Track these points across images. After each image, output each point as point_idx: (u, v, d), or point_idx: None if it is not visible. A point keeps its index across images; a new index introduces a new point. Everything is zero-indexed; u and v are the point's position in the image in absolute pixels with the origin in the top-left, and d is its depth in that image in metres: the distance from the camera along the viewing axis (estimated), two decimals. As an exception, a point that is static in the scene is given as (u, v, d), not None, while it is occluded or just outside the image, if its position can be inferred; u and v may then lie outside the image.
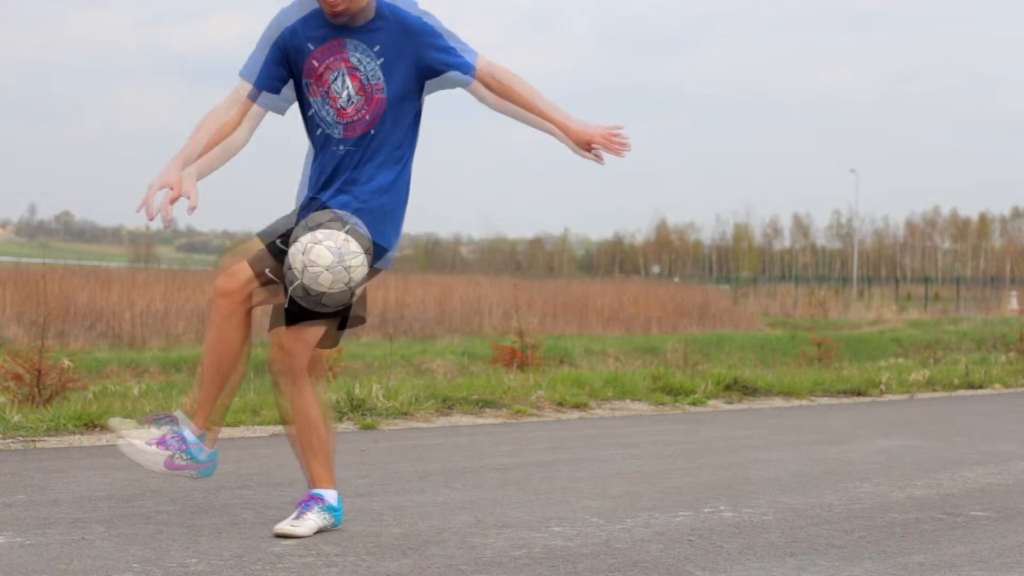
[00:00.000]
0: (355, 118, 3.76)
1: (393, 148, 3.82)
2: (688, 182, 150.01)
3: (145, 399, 8.02)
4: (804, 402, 9.57)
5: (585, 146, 3.91)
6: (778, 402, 9.44)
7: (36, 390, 7.75)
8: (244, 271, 3.82)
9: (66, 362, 8.24)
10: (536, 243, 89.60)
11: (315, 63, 3.74)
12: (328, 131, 3.78)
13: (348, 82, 3.74)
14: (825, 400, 9.78)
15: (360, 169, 3.78)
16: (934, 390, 10.93)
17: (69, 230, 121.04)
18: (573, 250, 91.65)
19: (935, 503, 4.79)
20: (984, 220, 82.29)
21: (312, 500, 3.88)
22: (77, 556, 3.52)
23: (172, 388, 11.25)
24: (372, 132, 3.78)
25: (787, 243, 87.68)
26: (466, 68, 3.83)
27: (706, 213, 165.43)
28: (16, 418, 6.34)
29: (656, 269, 72.98)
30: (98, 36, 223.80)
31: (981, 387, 11.35)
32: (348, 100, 3.75)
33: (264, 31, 3.81)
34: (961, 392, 11.01)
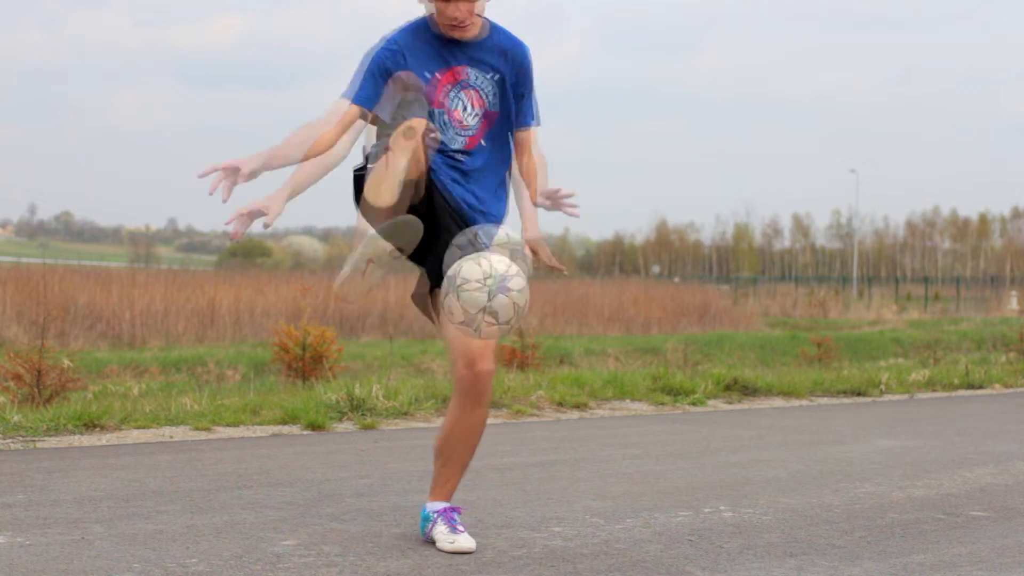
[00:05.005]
0: (475, 131, 3.81)
1: (502, 162, 3.88)
2: (688, 182, 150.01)
3: (145, 399, 8.02)
4: (804, 402, 9.57)
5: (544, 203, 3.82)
6: (778, 402, 9.44)
7: (36, 390, 7.75)
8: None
9: (66, 362, 8.25)
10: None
11: (435, 89, 3.76)
12: (447, 143, 3.78)
13: (467, 99, 3.78)
14: (825, 400, 9.78)
15: (482, 183, 3.82)
16: (934, 390, 10.93)
17: (69, 230, 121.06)
18: (573, 250, 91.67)
19: (935, 503, 4.79)
20: (984, 220, 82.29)
21: (455, 511, 3.81)
22: (77, 556, 3.52)
23: (172, 388, 11.26)
24: (484, 144, 3.83)
25: (787, 243, 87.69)
26: (522, 124, 3.89)
27: (706, 213, 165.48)
28: (16, 418, 6.35)
29: (656, 269, 72.98)
30: (98, 36, 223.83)
31: (981, 387, 11.35)
32: (470, 114, 3.79)
33: (373, 57, 3.75)
34: (961, 392, 11.01)
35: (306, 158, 3.70)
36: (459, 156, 3.79)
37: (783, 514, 4.46)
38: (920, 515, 4.51)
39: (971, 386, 11.33)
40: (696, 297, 32.52)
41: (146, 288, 22.18)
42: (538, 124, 3.92)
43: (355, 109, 3.71)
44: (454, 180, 3.77)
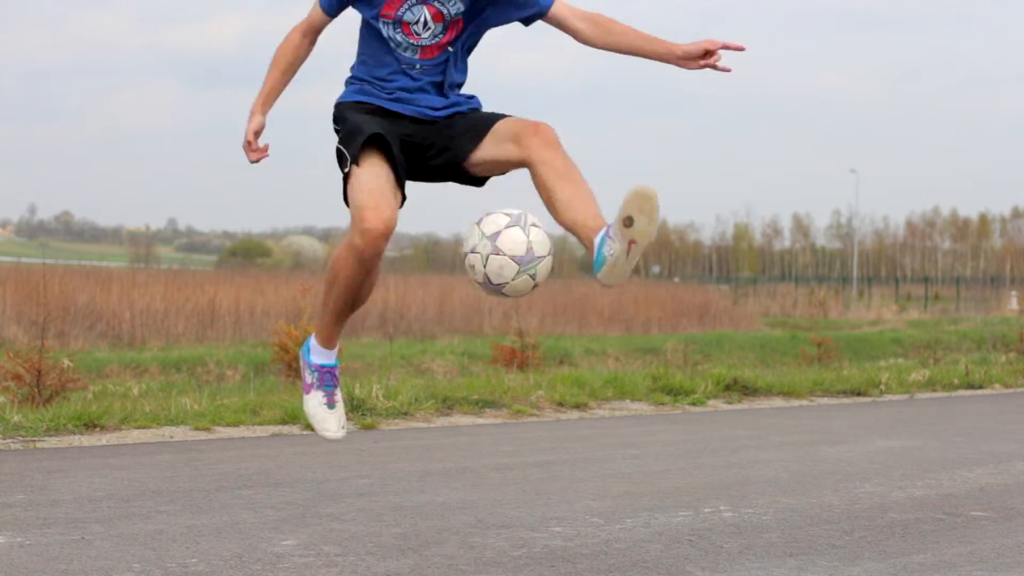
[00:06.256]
0: (432, 42, 3.71)
1: (464, 65, 3.81)
2: (688, 182, 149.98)
3: (145, 399, 8.02)
4: (804, 402, 9.57)
5: (700, 57, 3.73)
6: (778, 402, 9.44)
7: (36, 390, 7.75)
8: (391, 208, 3.61)
9: (66, 362, 8.24)
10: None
11: (393, 1, 3.67)
12: (398, 50, 3.72)
13: (427, 13, 3.68)
14: (825, 400, 9.78)
15: (448, 80, 3.76)
16: (934, 390, 10.93)
17: (69, 230, 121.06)
18: (573, 250, 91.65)
19: (935, 503, 4.79)
20: (984, 220, 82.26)
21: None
22: (77, 556, 3.52)
23: (172, 388, 11.26)
24: (451, 49, 3.74)
25: (787, 243, 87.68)
26: (538, 6, 3.78)
27: (706, 213, 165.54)
28: (16, 418, 6.35)
29: (656, 269, 73.01)
30: (98, 36, 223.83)
31: (981, 387, 11.34)
32: (424, 27, 3.70)
33: None
34: (961, 392, 11.00)
35: (289, 71, 3.78)
36: (416, 67, 3.70)
37: (783, 514, 4.46)
38: (920, 515, 4.51)
39: (971, 386, 11.33)
40: (696, 297, 32.52)
41: (146, 288, 22.18)
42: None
43: (319, 13, 3.73)
44: (403, 97, 3.72)
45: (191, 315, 21.81)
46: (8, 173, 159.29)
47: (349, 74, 3.87)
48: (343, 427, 3.80)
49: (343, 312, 3.77)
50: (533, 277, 3.54)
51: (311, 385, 3.80)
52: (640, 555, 3.72)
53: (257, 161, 3.72)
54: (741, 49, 3.76)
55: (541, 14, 3.79)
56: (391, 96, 3.75)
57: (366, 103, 3.75)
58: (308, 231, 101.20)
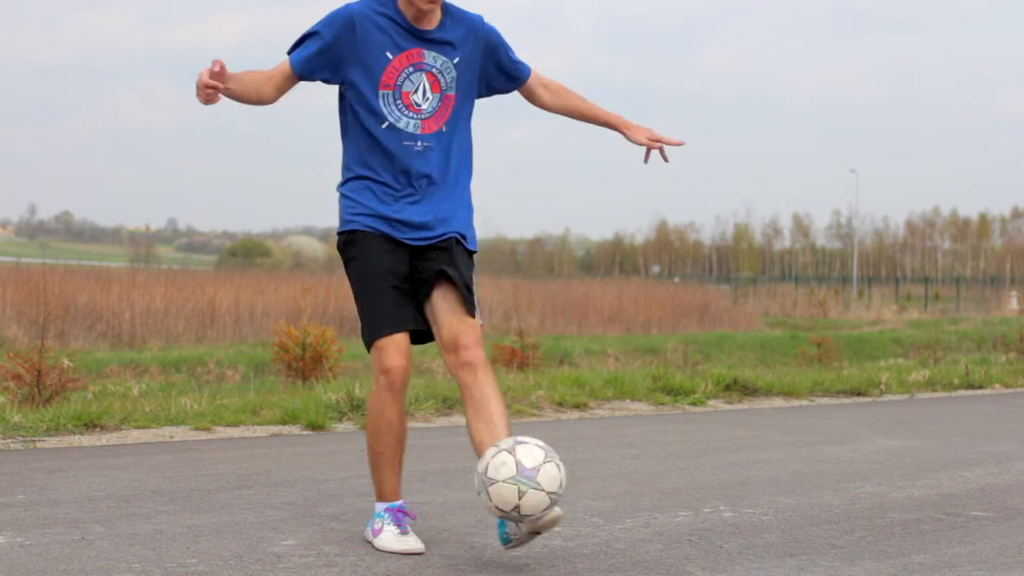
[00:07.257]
0: (431, 115, 3.74)
1: (465, 147, 3.85)
2: (688, 182, 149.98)
3: (145, 399, 8.02)
4: (804, 402, 9.57)
5: (644, 142, 4.01)
6: (778, 402, 9.44)
7: (36, 390, 7.75)
8: (407, 345, 3.72)
9: (66, 362, 8.24)
10: (536, 243, 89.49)
11: (393, 70, 3.69)
12: (398, 125, 3.71)
13: (426, 82, 3.72)
14: (825, 400, 9.78)
15: (445, 167, 3.77)
16: (934, 390, 10.93)
17: (69, 230, 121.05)
18: (573, 250, 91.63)
19: (935, 503, 4.79)
20: (984, 220, 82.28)
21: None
22: (77, 556, 3.52)
23: (172, 388, 11.26)
24: (444, 129, 3.77)
25: (787, 243, 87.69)
26: (526, 75, 3.98)
27: (706, 213, 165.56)
28: (16, 418, 6.35)
29: (656, 269, 73.03)
30: (98, 36, 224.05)
31: (981, 387, 11.35)
32: (424, 98, 3.72)
33: (329, 22, 3.68)
34: (961, 392, 11.01)
35: (248, 96, 3.70)
36: (416, 143, 3.71)
37: (783, 514, 4.47)
38: (920, 515, 4.52)
39: (971, 386, 11.33)
40: (696, 297, 32.53)
41: (146, 288, 22.18)
42: (531, 70, 4.01)
43: (289, 69, 3.70)
44: (413, 202, 3.73)
45: (191, 315, 21.81)
46: (8, 173, 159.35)
47: (344, 161, 3.82)
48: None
49: (397, 452, 3.73)
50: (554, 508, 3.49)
51: (379, 530, 3.72)
52: (640, 555, 3.72)
53: (208, 94, 3.52)
54: (680, 144, 4.02)
55: (521, 83, 3.98)
56: (394, 216, 3.72)
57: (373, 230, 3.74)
58: (308, 231, 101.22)
